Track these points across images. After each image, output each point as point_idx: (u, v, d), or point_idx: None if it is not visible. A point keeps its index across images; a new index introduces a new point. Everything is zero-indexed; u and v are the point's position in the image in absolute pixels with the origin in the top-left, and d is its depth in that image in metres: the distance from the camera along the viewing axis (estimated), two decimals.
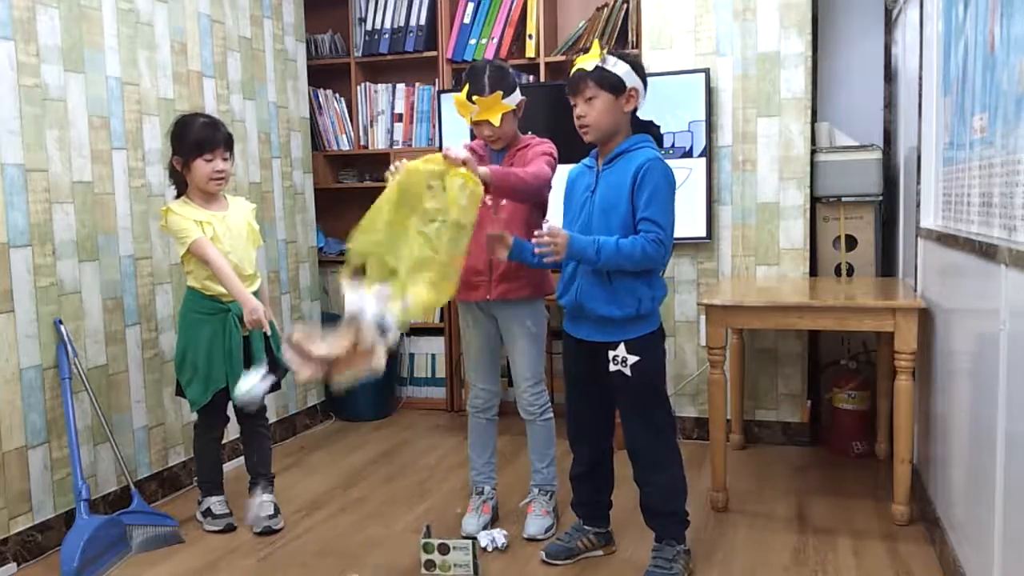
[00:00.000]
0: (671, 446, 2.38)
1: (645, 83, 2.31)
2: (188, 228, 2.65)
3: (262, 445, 2.95)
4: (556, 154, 2.63)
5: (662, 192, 2.22)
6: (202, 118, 2.75)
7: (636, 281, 2.26)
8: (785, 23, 3.46)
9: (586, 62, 2.26)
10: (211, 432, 2.89)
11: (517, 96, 2.62)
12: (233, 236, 2.76)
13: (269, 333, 2.72)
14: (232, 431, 3.08)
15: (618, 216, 2.25)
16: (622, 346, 2.28)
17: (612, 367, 2.30)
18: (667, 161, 2.28)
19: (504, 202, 2.61)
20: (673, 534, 2.38)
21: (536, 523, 2.72)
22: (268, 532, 2.81)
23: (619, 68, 2.24)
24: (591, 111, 2.26)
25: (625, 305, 2.26)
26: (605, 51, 2.27)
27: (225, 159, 2.72)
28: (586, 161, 2.42)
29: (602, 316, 2.29)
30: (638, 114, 2.35)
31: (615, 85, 2.24)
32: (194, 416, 2.89)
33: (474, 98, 2.56)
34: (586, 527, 2.56)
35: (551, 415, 2.79)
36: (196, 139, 2.67)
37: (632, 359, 2.28)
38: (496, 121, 2.57)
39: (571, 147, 2.58)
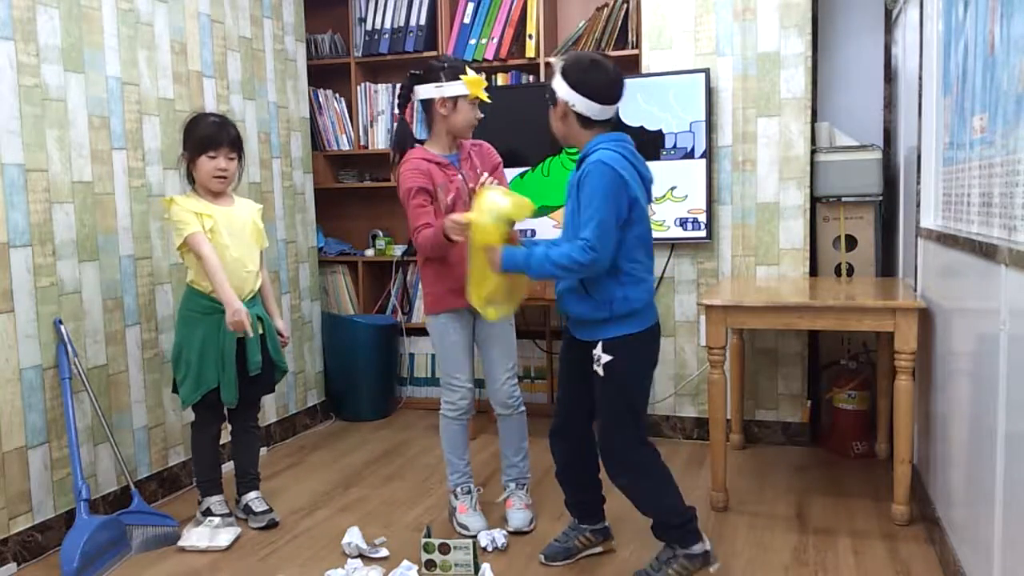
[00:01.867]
0: (637, 452, 2.31)
1: (584, 89, 2.20)
2: (187, 220, 2.66)
3: (253, 445, 2.97)
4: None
5: (596, 194, 2.17)
6: (212, 117, 2.79)
7: (609, 281, 2.24)
8: (785, 23, 3.46)
9: None
10: (208, 430, 2.88)
11: None
12: (235, 231, 2.77)
13: (250, 335, 2.70)
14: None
15: (577, 218, 2.26)
16: (600, 345, 2.29)
17: (594, 366, 2.30)
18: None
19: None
20: (671, 538, 2.34)
21: (519, 517, 2.75)
22: (272, 525, 2.84)
23: (553, 81, 2.28)
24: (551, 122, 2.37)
25: (598, 306, 2.25)
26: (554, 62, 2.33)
27: (231, 158, 2.75)
28: None
29: (577, 316, 2.31)
30: (624, 118, 2.35)
31: (550, 98, 2.31)
32: (193, 416, 2.89)
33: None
34: (582, 525, 2.55)
35: (524, 407, 2.84)
36: (201, 137, 2.71)
37: (605, 358, 2.27)
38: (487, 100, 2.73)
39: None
